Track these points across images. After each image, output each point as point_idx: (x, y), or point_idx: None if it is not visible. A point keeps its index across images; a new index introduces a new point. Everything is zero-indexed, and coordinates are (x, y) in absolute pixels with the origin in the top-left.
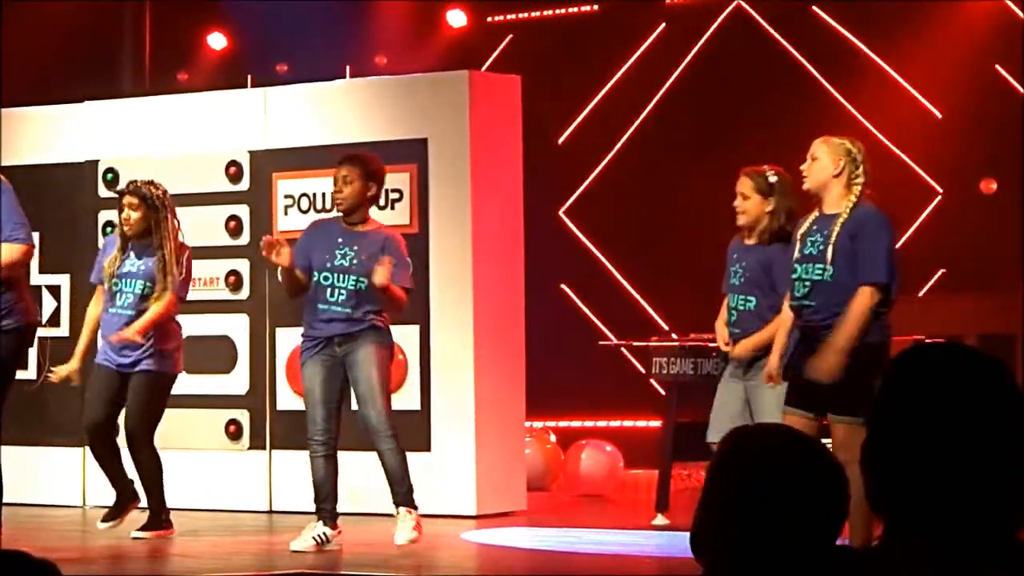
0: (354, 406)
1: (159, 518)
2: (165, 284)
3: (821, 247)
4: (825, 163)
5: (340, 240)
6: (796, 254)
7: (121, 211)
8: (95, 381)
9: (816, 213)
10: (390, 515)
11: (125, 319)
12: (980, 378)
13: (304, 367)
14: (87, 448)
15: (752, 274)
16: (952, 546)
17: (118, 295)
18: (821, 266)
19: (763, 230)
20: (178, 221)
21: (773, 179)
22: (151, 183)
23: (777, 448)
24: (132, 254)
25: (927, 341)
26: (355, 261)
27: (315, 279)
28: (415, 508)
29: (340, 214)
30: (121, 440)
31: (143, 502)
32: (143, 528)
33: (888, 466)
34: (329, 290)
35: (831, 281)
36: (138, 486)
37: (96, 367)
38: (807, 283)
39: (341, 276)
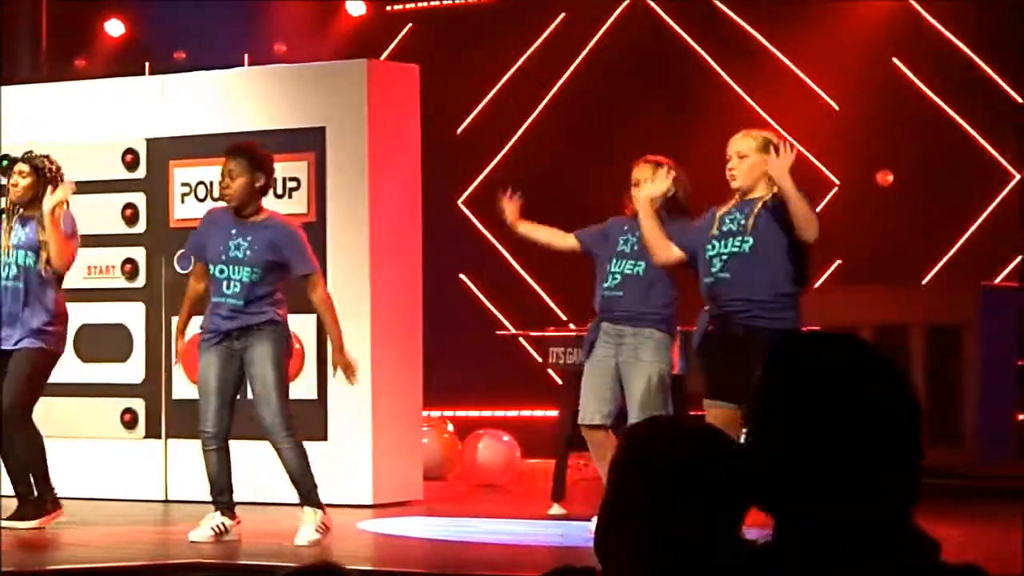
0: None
1: (43, 501)
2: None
3: (742, 222)
4: (755, 160)
5: (234, 231)
6: (714, 231)
7: (9, 178)
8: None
9: (736, 199)
10: (290, 504)
11: (11, 291)
12: (857, 364)
13: (201, 357)
14: None
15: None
16: (844, 535)
17: (5, 267)
18: (740, 239)
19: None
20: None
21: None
22: (47, 157)
23: (680, 441)
24: (18, 225)
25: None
26: (248, 252)
27: (211, 271)
28: (320, 507)
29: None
30: None
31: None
32: (16, 516)
33: (771, 459)
34: (225, 283)
35: (749, 253)
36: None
37: None
38: (724, 256)
39: (236, 268)
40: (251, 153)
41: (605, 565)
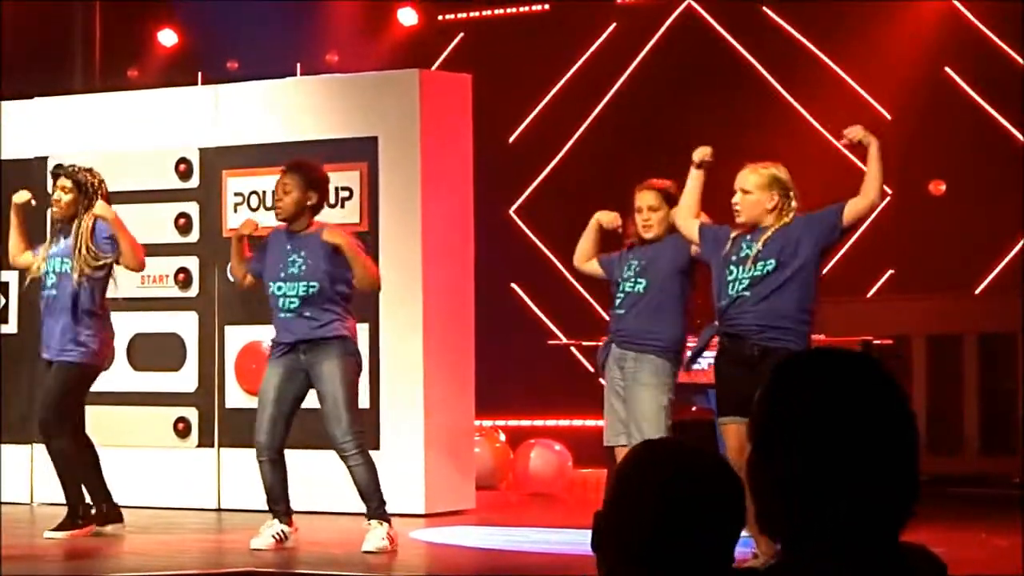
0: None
1: (75, 515)
2: (79, 260)
3: (759, 249)
4: (759, 197)
5: (288, 247)
6: (731, 255)
7: (53, 192)
8: (44, 375)
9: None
10: (349, 514)
11: (51, 299)
12: (857, 381)
13: (267, 367)
14: (34, 446)
15: (647, 262)
16: (845, 555)
17: (46, 276)
18: (759, 264)
19: (661, 232)
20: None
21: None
22: (89, 170)
23: (681, 464)
24: (60, 237)
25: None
26: (303, 267)
27: (270, 290)
28: (387, 521)
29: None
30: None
31: (95, 529)
32: (57, 527)
33: (775, 481)
34: (282, 299)
35: (768, 280)
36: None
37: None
38: (743, 280)
39: (292, 284)
40: (307, 170)
41: (600, 561)
